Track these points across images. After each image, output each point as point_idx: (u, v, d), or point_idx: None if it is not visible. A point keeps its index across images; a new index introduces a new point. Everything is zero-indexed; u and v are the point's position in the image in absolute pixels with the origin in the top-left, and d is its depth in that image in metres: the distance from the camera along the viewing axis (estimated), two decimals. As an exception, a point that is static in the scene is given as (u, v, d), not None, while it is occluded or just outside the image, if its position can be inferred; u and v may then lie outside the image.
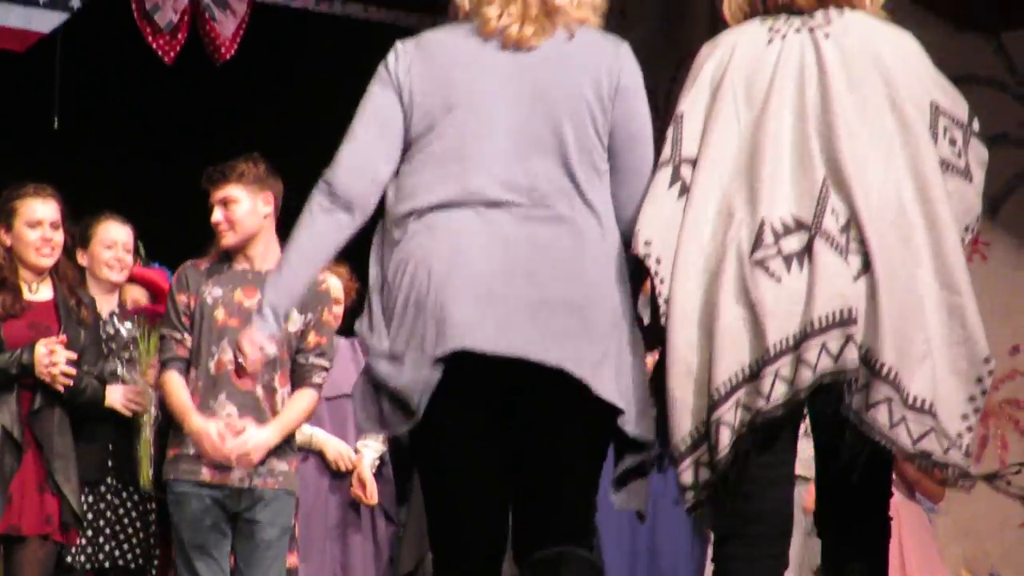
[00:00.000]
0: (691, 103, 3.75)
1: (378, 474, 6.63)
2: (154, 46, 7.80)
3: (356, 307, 6.70)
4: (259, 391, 5.55)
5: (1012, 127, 8.31)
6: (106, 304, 5.93)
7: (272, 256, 5.56)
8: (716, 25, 10.48)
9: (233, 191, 5.60)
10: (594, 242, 3.66)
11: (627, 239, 3.69)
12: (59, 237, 5.66)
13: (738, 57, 3.74)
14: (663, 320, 3.63)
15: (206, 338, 5.55)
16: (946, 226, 3.60)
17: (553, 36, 3.68)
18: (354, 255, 6.75)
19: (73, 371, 5.49)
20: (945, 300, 3.58)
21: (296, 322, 5.62)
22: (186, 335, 5.57)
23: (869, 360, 3.51)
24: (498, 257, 3.59)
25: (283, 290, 3.75)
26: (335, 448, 6.53)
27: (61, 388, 5.48)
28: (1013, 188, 8.32)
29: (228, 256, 5.68)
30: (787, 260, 3.54)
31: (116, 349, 5.83)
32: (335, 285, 6.28)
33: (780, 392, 3.51)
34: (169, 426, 5.64)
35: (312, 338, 5.66)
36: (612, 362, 3.62)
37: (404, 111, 3.70)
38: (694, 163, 3.69)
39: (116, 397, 5.72)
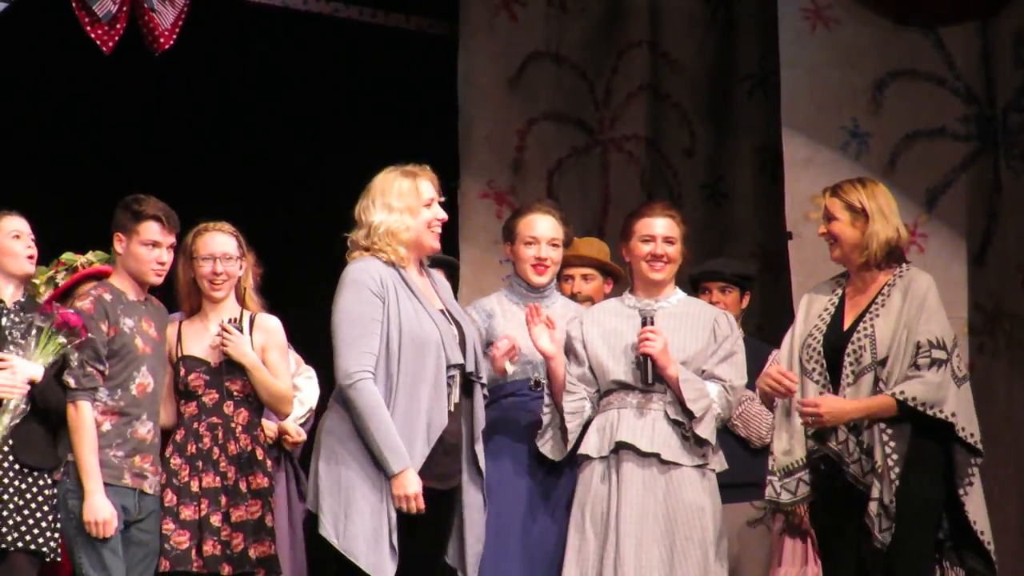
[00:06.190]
0: None
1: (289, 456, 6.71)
2: (92, 36, 7.74)
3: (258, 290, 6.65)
4: None
5: (950, 121, 8.35)
6: (11, 293, 5.91)
7: None
8: (656, 17, 10.45)
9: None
10: None
11: None
12: None
13: None
14: None
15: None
16: None
17: None
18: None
19: None
20: None
21: None
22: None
23: None
24: None
25: None
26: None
27: None
28: (950, 181, 8.35)
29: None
30: None
31: (11, 338, 5.77)
32: None
33: None
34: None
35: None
36: None
37: None
38: None
39: None
